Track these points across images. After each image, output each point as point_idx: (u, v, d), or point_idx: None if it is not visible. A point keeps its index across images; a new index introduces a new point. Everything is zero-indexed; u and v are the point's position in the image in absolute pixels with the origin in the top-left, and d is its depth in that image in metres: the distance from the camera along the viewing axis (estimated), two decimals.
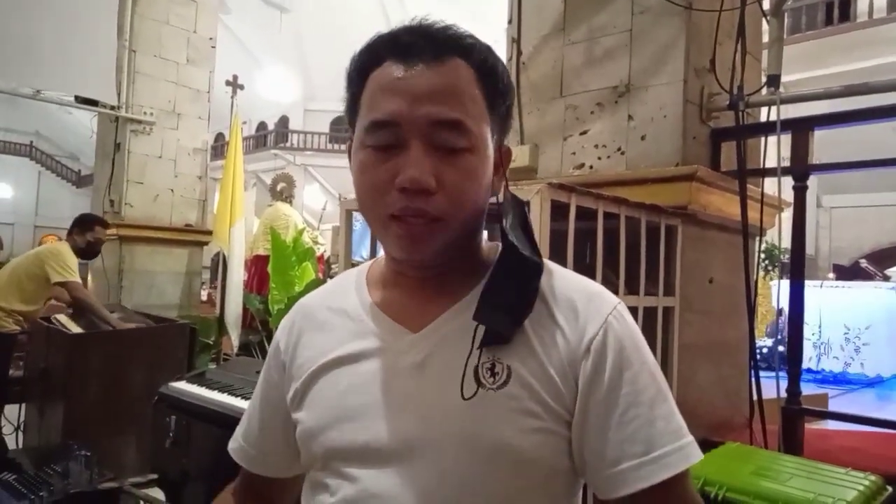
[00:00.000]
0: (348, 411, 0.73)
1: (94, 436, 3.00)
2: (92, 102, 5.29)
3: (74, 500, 2.21)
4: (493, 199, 0.77)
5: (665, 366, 2.01)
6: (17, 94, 5.30)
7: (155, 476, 2.49)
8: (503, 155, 0.76)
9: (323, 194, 22.89)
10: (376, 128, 0.69)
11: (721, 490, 1.48)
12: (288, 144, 26.26)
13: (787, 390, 2.08)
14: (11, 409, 4.12)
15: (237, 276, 4.95)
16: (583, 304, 0.72)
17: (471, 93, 0.69)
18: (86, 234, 3.93)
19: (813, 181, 2.15)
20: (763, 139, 2.31)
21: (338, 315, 0.79)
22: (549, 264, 0.79)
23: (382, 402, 0.72)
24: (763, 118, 2.52)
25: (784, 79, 2.27)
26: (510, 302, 0.71)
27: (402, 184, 0.67)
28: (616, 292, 1.81)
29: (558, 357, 0.70)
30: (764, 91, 2.20)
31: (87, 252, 4.01)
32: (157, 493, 2.50)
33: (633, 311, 1.90)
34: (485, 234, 0.84)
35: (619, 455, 0.67)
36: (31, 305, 3.83)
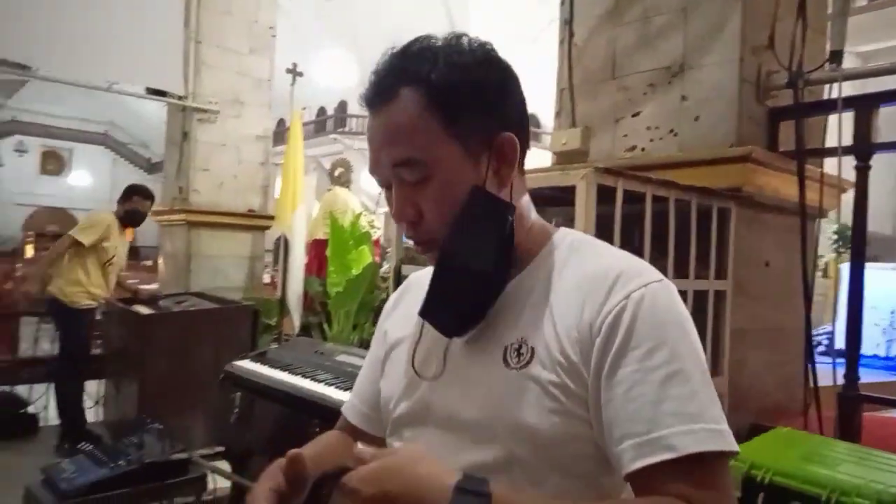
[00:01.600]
0: (411, 384, 0.83)
1: (165, 410, 3.19)
2: (161, 93, 5.53)
3: (148, 468, 2.36)
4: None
5: (716, 350, 1.99)
6: (92, 86, 5.59)
7: (221, 448, 2.63)
8: (499, 148, 0.77)
9: None
10: (372, 174, 0.80)
11: (767, 474, 1.47)
12: (347, 129, 26.62)
13: (845, 376, 2.03)
14: (92, 385, 4.41)
15: (298, 259, 5.11)
16: (609, 280, 0.74)
17: (419, 123, 0.74)
18: (125, 203, 4.21)
19: None
20: (827, 117, 2.23)
21: (418, 294, 0.84)
22: (588, 241, 0.83)
23: (436, 377, 0.81)
24: (828, 95, 2.43)
25: (860, 49, 2.18)
26: (451, 304, 0.78)
27: (395, 218, 0.79)
28: (665, 275, 1.81)
29: (581, 337, 0.72)
30: (826, 67, 2.12)
31: (128, 220, 4.24)
32: (224, 465, 2.64)
33: (682, 294, 1.89)
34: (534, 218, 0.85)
35: (622, 433, 0.68)
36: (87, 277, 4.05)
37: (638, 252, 1.74)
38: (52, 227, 31.97)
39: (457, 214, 0.75)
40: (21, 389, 4.33)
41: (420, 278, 0.94)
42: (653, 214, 1.76)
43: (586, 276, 0.76)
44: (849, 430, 1.95)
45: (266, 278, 7.95)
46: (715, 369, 1.99)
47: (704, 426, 0.67)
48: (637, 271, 0.75)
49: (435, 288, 0.78)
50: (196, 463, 2.48)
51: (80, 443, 3.67)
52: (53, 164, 32.06)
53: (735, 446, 0.68)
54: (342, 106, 28.55)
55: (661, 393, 0.67)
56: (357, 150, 26.30)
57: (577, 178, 1.56)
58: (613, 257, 0.79)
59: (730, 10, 2.12)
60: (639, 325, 0.70)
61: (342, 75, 19.98)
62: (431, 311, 0.79)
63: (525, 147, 0.81)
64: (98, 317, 4.20)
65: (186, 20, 5.25)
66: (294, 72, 5.57)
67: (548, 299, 0.76)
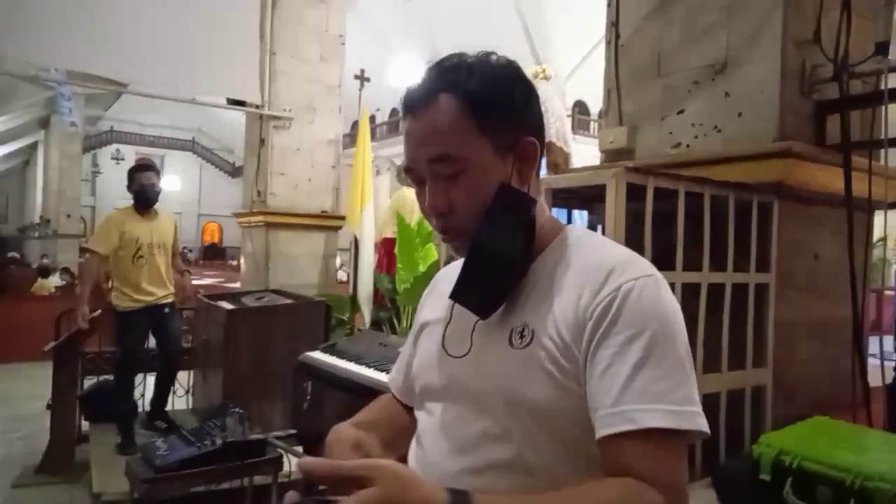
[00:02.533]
0: (441, 361, 0.94)
1: (246, 397, 3.47)
2: (240, 103, 5.91)
3: (230, 448, 2.61)
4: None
5: (758, 342, 2.03)
6: (178, 99, 6.02)
7: (294, 431, 2.86)
8: (522, 150, 0.88)
9: None
10: (408, 172, 0.91)
11: (796, 459, 1.53)
12: None
13: (895, 368, 2.02)
14: (182, 376, 4.79)
15: (367, 257, 5.35)
16: (605, 273, 0.82)
17: (455, 123, 0.84)
18: (130, 187, 4.02)
19: None
20: (883, 109, 2.21)
21: (447, 285, 0.96)
22: (591, 238, 0.93)
23: (463, 356, 0.91)
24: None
25: None
26: (481, 285, 0.87)
27: (427, 211, 0.89)
28: (699, 269, 1.88)
29: (575, 322, 0.81)
30: (873, 59, 2.11)
31: (141, 202, 4.00)
32: (297, 448, 2.87)
33: (720, 287, 1.94)
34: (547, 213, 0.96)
35: (595, 404, 0.77)
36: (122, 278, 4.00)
37: (672, 247, 1.82)
38: None
39: (487, 207, 0.85)
40: None
41: (447, 273, 1.06)
42: (693, 209, 1.83)
43: (585, 269, 0.85)
44: None
45: (342, 276, 8.30)
46: (758, 360, 2.04)
47: (665, 406, 0.73)
48: (629, 266, 0.84)
49: (466, 272, 0.88)
50: (272, 444, 2.71)
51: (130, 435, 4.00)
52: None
53: (698, 426, 0.75)
54: None
55: (632, 374, 0.75)
56: None
57: (607, 178, 1.66)
58: (610, 253, 0.88)
59: (773, 6, 2.14)
60: (624, 313, 0.79)
61: (413, 78, 20.35)
62: (462, 293, 0.89)
63: (542, 152, 0.92)
64: (165, 311, 4.15)
65: (262, 33, 5.59)
66: (362, 77, 5.84)
67: (550, 288, 0.86)
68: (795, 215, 2.18)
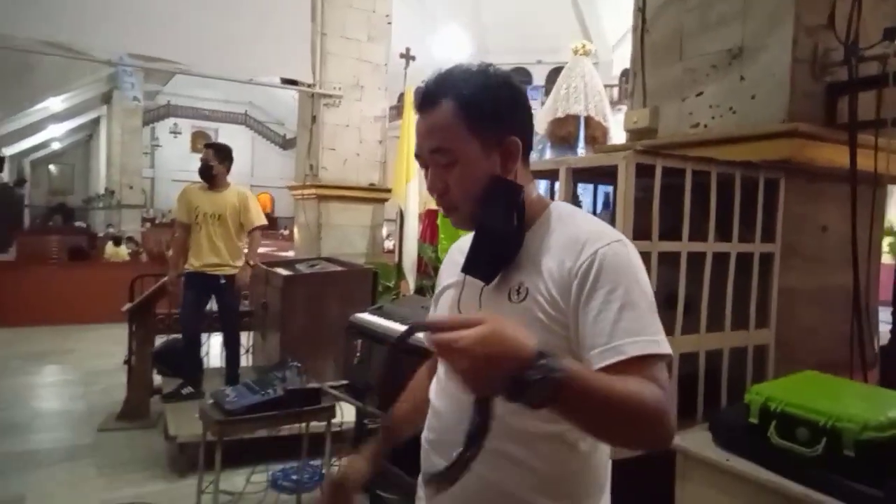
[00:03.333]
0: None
1: (302, 354, 3.83)
2: (293, 82, 6.23)
3: (290, 394, 2.96)
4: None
5: (762, 306, 2.24)
6: (234, 80, 6.35)
7: (346, 382, 3.20)
8: (506, 147, 1.09)
9: None
10: (417, 158, 1.15)
11: (780, 405, 1.75)
12: None
13: (891, 331, 2.20)
14: (243, 337, 5.21)
15: (412, 228, 5.65)
16: (582, 241, 1.04)
17: (450, 124, 1.06)
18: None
19: None
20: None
21: (460, 255, 1.20)
22: (571, 212, 1.14)
23: (466, 311, 1.15)
24: None
25: None
26: (486, 260, 1.10)
27: (429, 190, 1.13)
28: (704, 239, 2.09)
29: (561, 280, 1.04)
30: (882, 44, 2.25)
31: (202, 178, 4.51)
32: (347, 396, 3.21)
33: (725, 256, 2.15)
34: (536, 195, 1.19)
35: (591, 344, 0.98)
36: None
37: (680, 220, 2.04)
38: None
39: (477, 192, 1.08)
40: None
41: (461, 244, 1.29)
42: (702, 186, 2.04)
43: (567, 238, 1.07)
44: (890, 381, 2.13)
45: (389, 245, 8.65)
46: (761, 322, 2.25)
47: (646, 338, 0.94)
48: (602, 235, 1.05)
49: (474, 250, 1.12)
50: (326, 393, 3.05)
51: (186, 386, 4.43)
52: (202, 142, 35.09)
53: (667, 350, 0.97)
54: None
55: (616, 317, 0.95)
56: None
57: (618, 159, 1.88)
58: (588, 224, 1.09)
59: None
60: (603, 272, 1.00)
61: (459, 51, 20.47)
62: (472, 267, 1.12)
63: (528, 147, 1.14)
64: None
65: (313, 15, 5.87)
66: (407, 56, 6.07)
67: (539, 254, 1.08)
68: (803, 190, 2.35)
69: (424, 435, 1.20)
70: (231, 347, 4.61)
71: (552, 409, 0.81)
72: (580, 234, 1.06)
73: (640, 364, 0.92)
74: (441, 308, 1.26)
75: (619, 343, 0.94)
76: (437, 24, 19.07)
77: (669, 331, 1.37)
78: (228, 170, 4.54)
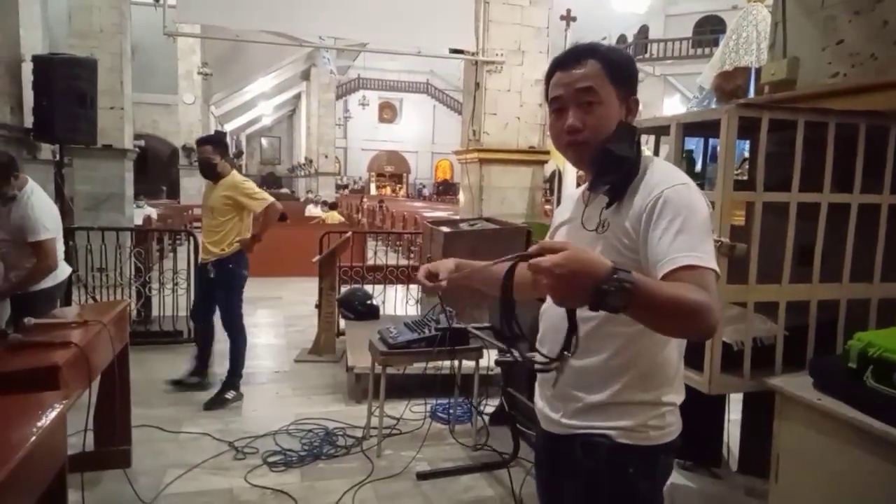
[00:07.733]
0: (576, 235, 1.44)
1: (462, 304, 4.27)
2: (459, 51, 6.61)
3: (442, 334, 3.41)
4: None
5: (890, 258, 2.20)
6: (407, 53, 6.86)
7: (489, 325, 3.55)
8: (631, 104, 1.36)
9: (683, 104, 22.13)
10: (554, 100, 1.38)
11: (879, 350, 1.80)
12: (647, 55, 25.82)
13: None
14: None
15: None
16: (653, 185, 1.28)
17: (598, 75, 1.32)
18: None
19: None
20: None
21: (570, 201, 1.51)
22: (654, 162, 1.38)
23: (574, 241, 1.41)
24: None
25: None
26: (610, 180, 1.32)
27: (561, 129, 1.36)
28: (820, 190, 2.10)
29: (635, 215, 1.28)
30: None
31: (204, 175, 4.40)
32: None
33: (845, 207, 2.14)
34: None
35: (654, 260, 1.21)
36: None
37: (803, 171, 2.07)
38: (389, 168, 37.74)
39: (606, 135, 1.29)
40: (368, 287, 5.91)
41: (571, 193, 1.57)
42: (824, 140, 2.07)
43: (646, 184, 1.31)
44: None
45: (549, 207, 8.85)
46: (887, 276, 2.22)
47: (696, 253, 1.15)
48: (671, 178, 1.28)
49: (599, 171, 1.35)
50: (472, 333, 3.45)
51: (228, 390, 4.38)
52: (388, 113, 37.37)
53: (713, 265, 1.14)
54: (643, 31, 27.62)
55: (673, 238, 1.18)
56: (658, 77, 25.37)
57: (721, 113, 1.98)
58: (662, 173, 1.32)
59: None
60: (666, 206, 1.24)
61: (641, 1, 19.54)
62: (597, 185, 1.36)
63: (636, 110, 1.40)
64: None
65: None
66: (568, 17, 6.15)
67: (624, 195, 1.33)
68: None
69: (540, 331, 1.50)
70: (230, 347, 4.41)
71: (627, 312, 1.00)
72: (654, 179, 1.31)
73: (690, 272, 1.13)
74: (558, 237, 1.52)
75: (674, 255, 1.16)
76: None
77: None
78: (224, 155, 4.37)
